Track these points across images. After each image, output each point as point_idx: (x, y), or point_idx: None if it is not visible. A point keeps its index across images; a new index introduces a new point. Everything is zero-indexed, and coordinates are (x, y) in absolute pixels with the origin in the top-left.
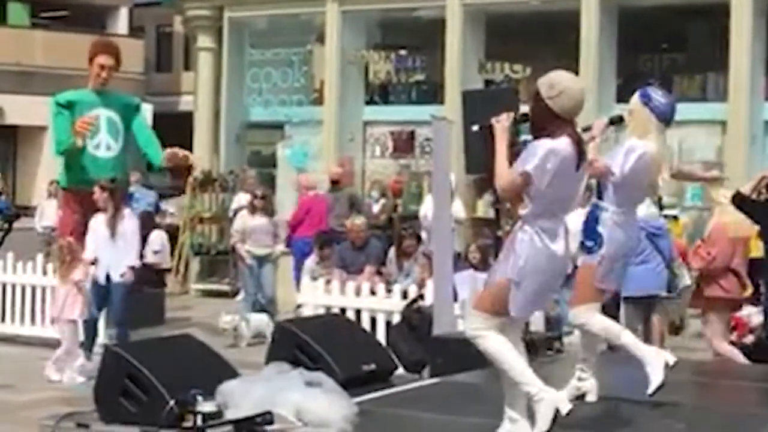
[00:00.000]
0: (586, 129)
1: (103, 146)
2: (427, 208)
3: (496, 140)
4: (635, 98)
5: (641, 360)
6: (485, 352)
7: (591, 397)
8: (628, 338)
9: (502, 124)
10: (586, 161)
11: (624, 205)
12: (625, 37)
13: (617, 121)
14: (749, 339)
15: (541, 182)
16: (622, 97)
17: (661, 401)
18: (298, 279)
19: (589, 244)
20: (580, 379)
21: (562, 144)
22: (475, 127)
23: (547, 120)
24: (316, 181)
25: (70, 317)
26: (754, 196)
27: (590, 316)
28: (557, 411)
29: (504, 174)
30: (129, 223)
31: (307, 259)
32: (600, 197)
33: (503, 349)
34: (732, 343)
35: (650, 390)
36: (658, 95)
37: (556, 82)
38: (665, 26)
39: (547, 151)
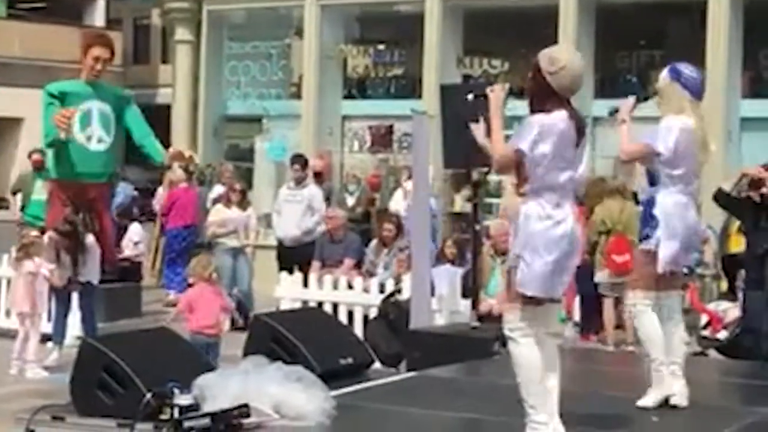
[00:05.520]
0: (614, 112)
1: (95, 139)
2: (397, 203)
3: (490, 110)
4: (664, 75)
5: (655, 381)
6: (512, 356)
7: (679, 400)
8: (658, 354)
9: (496, 93)
10: (586, 137)
11: (676, 185)
12: (603, 33)
13: (643, 100)
14: (722, 334)
15: (535, 160)
16: (600, 93)
17: None
18: (170, 270)
19: (645, 230)
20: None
21: (558, 119)
22: (470, 96)
23: (544, 96)
24: (183, 175)
25: (22, 309)
26: (734, 193)
27: (640, 307)
28: None
29: (498, 146)
30: (92, 251)
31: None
32: (652, 183)
33: (528, 363)
34: (705, 338)
35: (639, 403)
36: (688, 70)
37: (557, 58)
38: (643, 23)
39: (541, 127)
